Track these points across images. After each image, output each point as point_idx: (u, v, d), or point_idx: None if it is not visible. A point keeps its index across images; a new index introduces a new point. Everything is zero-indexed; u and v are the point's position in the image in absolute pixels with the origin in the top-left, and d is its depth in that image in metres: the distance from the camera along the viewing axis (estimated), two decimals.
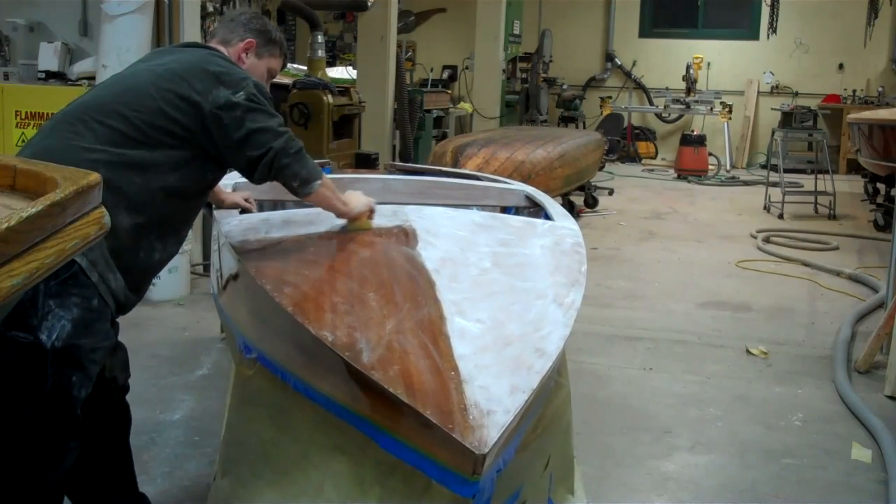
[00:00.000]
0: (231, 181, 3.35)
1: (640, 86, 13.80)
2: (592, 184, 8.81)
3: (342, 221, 2.53)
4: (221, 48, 2.50)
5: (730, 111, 12.17)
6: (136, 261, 2.22)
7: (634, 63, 13.76)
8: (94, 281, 2.07)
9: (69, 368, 2.05)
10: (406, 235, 2.49)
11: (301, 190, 2.32)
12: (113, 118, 2.19)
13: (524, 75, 12.69)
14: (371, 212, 2.58)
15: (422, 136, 8.90)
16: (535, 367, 1.68)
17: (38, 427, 2.06)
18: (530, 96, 12.05)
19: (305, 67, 8.18)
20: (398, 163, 7.10)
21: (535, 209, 3.64)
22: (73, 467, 2.17)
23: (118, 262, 2.14)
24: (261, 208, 3.33)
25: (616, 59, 13.85)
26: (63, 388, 2.05)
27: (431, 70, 12.19)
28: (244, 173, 2.33)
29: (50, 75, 5.69)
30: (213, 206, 2.95)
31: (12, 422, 2.06)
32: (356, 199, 2.55)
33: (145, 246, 2.24)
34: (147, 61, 2.43)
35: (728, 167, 12.16)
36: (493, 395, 1.55)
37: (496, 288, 2.12)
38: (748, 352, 4.40)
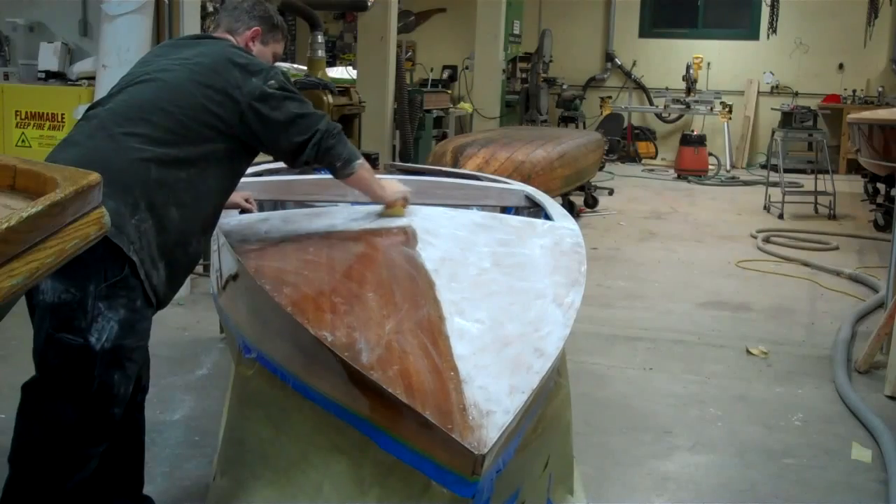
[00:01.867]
0: None
1: (640, 86, 13.79)
2: (592, 184, 8.80)
3: (347, 217, 2.55)
4: (228, 37, 2.53)
5: (730, 111, 12.17)
6: (185, 254, 2.28)
7: (634, 63, 13.76)
8: (141, 279, 2.10)
9: (113, 369, 2.08)
10: (406, 235, 2.49)
11: (343, 170, 2.43)
12: (158, 115, 2.22)
13: (524, 75, 12.68)
14: (406, 200, 2.72)
15: (422, 136, 8.90)
16: (534, 368, 1.68)
17: (75, 428, 2.07)
18: (530, 96, 12.04)
19: (305, 67, 8.17)
20: (398, 163, 7.10)
21: (534, 209, 3.64)
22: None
23: (167, 258, 2.18)
24: (261, 208, 3.33)
25: (616, 59, 13.85)
26: (107, 389, 2.08)
27: (431, 70, 12.19)
28: (287, 157, 2.42)
29: (50, 75, 5.68)
30: None
31: (51, 421, 2.07)
32: (393, 186, 2.74)
33: (193, 241, 2.30)
34: (168, 56, 2.43)
35: (728, 167, 12.16)
36: (492, 395, 1.55)
37: (495, 288, 2.12)
38: (748, 352, 4.39)
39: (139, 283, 2.11)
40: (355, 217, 2.71)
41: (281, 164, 3.40)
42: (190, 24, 5.13)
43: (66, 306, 2.01)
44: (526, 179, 5.79)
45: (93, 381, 2.05)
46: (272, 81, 2.32)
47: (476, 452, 1.41)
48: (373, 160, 6.62)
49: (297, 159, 2.39)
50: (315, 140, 2.34)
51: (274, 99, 2.30)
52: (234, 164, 2.39)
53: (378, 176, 2.89)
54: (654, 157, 13.29)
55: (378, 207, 2.73)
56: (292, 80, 7.14)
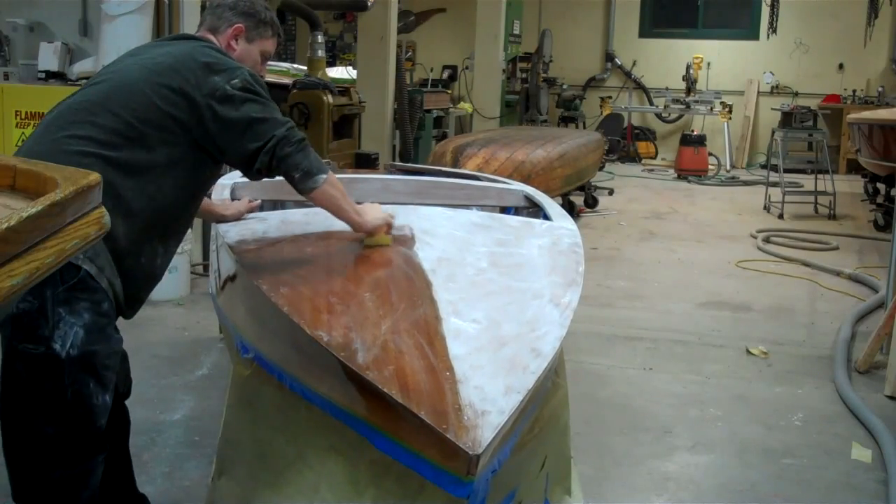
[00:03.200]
0: (230, 181, 3.35)
1: (640, 86, 13.79)
2: (592, 184, 8.80)
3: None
4: (211, 37, 2.39)
5: (730, 111, 12.17)
6: (138, 266, 2.14)
7: (634, 63, 13.75)
8: (103, 286, 2.00)
9: (86, 376, 1.97)
10: (404, 235, 2.49)
11: (304, 183, 2.17)
12: (104, 117, 2.09)
13: (524, 75, 12.68)
14: (388, 227, 2.40)
15: (422, 136, 8.90)
16: (530, 368, 1.67)
17: (61, 444, 1.98)
18: (530, 96, 12.05)
19: (305, 67, 8.18)
20: (398, 163, 7.10)
21: (534, 209, 3.64)
22: None
23: (119, 268, 2.06)
24: (259, 209, 3.32)
25: (616, 59, 13.85)
26: (83, 399, 1.97)
27: (431, 70, 12.19)
28: (242, 167, 2.22)
29: (50, 75, 5.69)
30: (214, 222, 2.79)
31: (33, 443, 1.97)
32: (372, 212, 2.38)
33: (147, 251, 2.16)
34: (135, 55, 2.31)
35: (728, 167, 12.16)
36: (487, 395, 1.55)
37: (493, 288, 2.12)
38: (748, 352, 4.39)
39: (102, 288, 2.00)
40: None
41: None
42: (190, 23, 5.13)
43: (25, 315, 1.90)
44: (526, 179, 5.79)
45: (65, 390, 1.94)
46: (235, 80, 2.14)
47: (471, 453, 1.41)
48: (373, 160, 6.64)
49: (251, 168, 2.17)
50: (269, 147, 2.11)
51: (233, 100, 2.12)
52: (196, 172, 2.22)
53: (353, 175, 2.58)
54: (654, 157, 13.29)
55: (359, 235, 2.38)
56: (292, 80, 7.14)
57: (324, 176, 2.19)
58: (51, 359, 1.92)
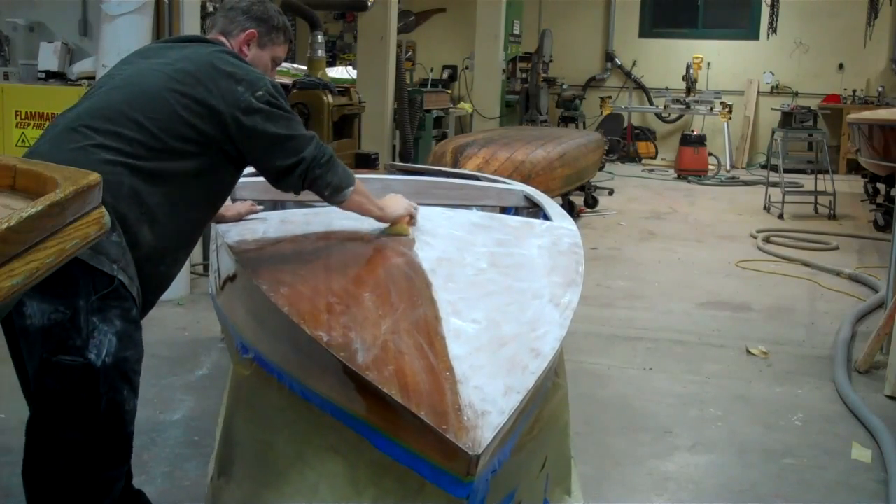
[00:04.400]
0: None
1: (640, 86, 13.79)
2: (592, 184, 8.80)
3: (345, 217, 2.47)
4: (223, 39, 2.37)
5: (730, 111, 12.17)
6: (157, 273, 2.13)
7: (634, 63, 13.76)
8: (133, 294, 1.99)
9: (120, 383, 1.96)
10: (403, 235, 2.49)
11: (333, 198, 2.26)
12: (129, 127, 2.06)
13: (524, 75, 12.69)
14: (411, 217, 2.54)
15: (422, 136, 8.90)
16: (530, 368, 1.67)
17: (91, 453, 1.96)
18: (530, 96, 12.05)
19: (305, 67, 8.18)
20: (398, 163, 7.11)
21: (534, 209, 3.64)
22: None
23: (139, 274, 2.04)
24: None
25: (616, 59, 13.85)
26: (117, 407, 1.96)
27: (431, 70, 12.20)
28: (270, 178, 2.24)
29: (50, 75, 5.69)
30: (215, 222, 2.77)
31: (63, 453, 1.95)
32: (395, 203, 2.51)
33: (168, 260, 2.16)
34: (150, 58, 2.27)
35: (728, 167, 12.16)
36: (487, 395, 1.55)
37: (492, 288, 2.12)
38: (748, 352, 4.39)
39: (132, 296, 2.00)
40: (354, 217, 2.70)
41: None
42: (190, 23, 5.13)
43: (57, 327, 1.88)
44: (526, 179, 5.80)
45: (100, 400, 1.93)
46: (260, 93, 2.14)
47: (470, 453, 1.41)
48: (373, 160, 6.64)
49: (279, 183, 2.22)
50: (301, 170, 2.16)
51: (259, 113, 2.13)
52: (219, 178, 2.23)
53: (385, 193, 2.65)
54: (654, 157, 13.29)
55: (381, 225, 2.52)
56: (292, 80, 7.13)
57: (351, 188, 2.27)
58: (87, 369, 1.90)
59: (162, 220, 2.08)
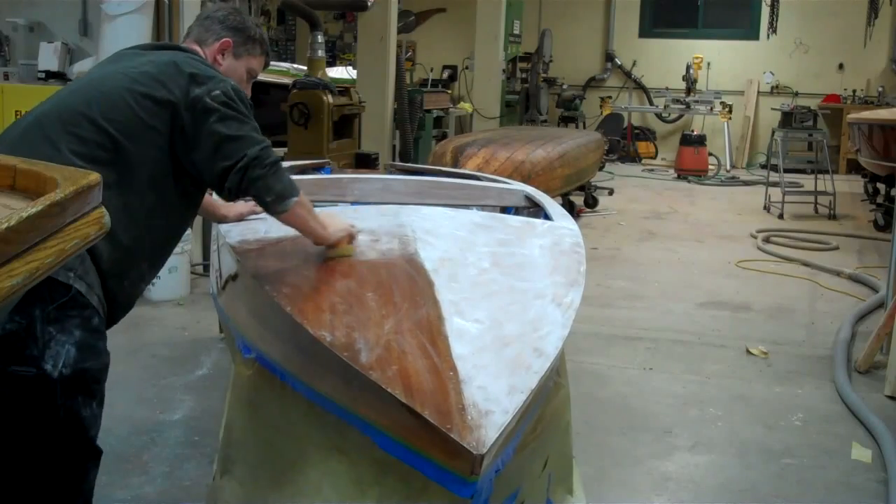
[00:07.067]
0: None
1: (640, 86, 13.80)
2: (592, 184, 8.81)
3: (346, 217, 2.44)
4: (196, 48, 2.33)
5: (730, 111, 12.18)
6: (121, 289, 2.06)
7: (634, 63, 13.76)
8: (93, 303, 1.93)
9: (80, 395, 1.90)
10: (405, 236, 2.49)
11: (275, 206, 2.09)
12: (86, 128, 2.01)
13: (524, 75, 12.69)
14: (351, 237, 2.31)
15: (422, 136, 8.89)
16: (533, 368, 1.67)
17: (52, 460, 1.92)
18: (530, 96, 12.05)
19: (305, 67, 8.17)
20: (398, 163, 7.10)
21: (534, 209, 3.64)
22: None
23: (102, 285, 1.99)
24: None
25: (616, 59, 13.85)
26: (75, 416, 1.91)
27: (431, 70, 12.19)
28: (214, 186, 2.12)
29: (50, 75, 5.70)
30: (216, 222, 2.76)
31: (23, 461, 1.91)
32: (335, 223, 2.28)
33: (133, 274, 2.09)
34: (118, 62, 2.23)
35: (728, 167, 12.17)
36: (491, 395, 1.55)
37: (495, 288, 2.12)
38: (748, 352, 4.40)
39: (92, 304, 1.92)
40: (355, 217, 2.70)
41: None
42: (189, 24, 5.13)
43: (12, 336, 1.81)
44: (526, 179, 5.80)
45: (57, 410, 1.86)
46: (216, 93, 2.06)
47: (475, 452, 1.41)
48: (373, 160, 6.63)
49: (222, 188, 2.07)
50: (241, 166, 2.01)
51: (214, 113, 2.03)
52: (178, 187, 2.13)
53: (324, 209, 2.48)
54: (654, 157, 13.30)
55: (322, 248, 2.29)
56: (293, 80, 7.12)
57: (295, 199, 2.11)
58: (42, 379, 1.84)
59: (121, 230, 1.99)
